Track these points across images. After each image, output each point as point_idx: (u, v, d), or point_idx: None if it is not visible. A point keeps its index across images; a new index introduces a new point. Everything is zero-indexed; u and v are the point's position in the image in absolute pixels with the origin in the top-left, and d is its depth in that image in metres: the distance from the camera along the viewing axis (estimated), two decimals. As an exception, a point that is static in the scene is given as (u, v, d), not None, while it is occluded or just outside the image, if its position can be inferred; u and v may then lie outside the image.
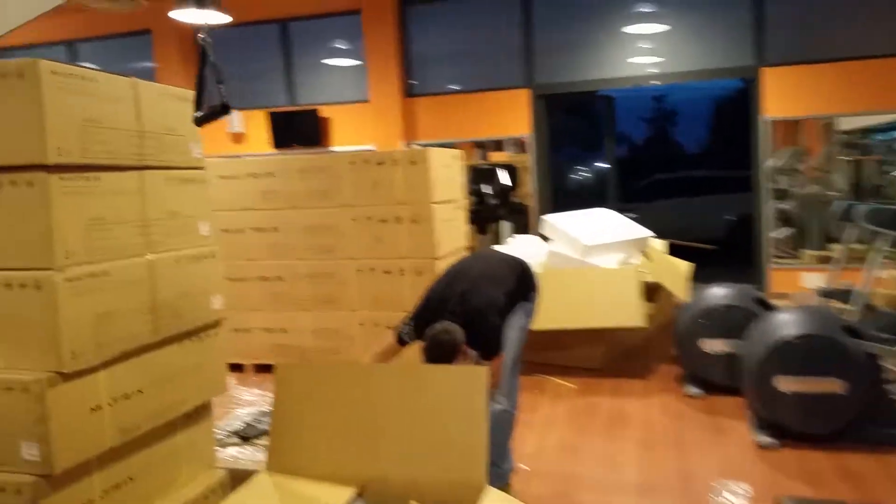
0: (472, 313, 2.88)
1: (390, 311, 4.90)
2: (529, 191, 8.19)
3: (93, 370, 2.18)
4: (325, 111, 8.49)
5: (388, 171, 4.85)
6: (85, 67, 2.21)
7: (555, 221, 5.28)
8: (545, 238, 5.65)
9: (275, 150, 8.47)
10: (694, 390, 4.41)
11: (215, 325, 2.80)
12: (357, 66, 8.50)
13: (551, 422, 4.12)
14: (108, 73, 2.30)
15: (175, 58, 8.75)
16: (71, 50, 9.40)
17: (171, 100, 2.59)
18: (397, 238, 4.86)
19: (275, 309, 5.20)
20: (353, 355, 5.06)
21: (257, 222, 5.17)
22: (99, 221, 2.22)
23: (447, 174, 5.15)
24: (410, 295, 4.68)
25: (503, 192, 7.58)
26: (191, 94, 2.73)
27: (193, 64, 8.09)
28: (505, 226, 7.86)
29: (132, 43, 9.12)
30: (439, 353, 2.77)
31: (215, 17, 6.70)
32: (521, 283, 3.21)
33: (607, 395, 4.50)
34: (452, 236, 5.20)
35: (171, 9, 6.52)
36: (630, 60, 7.66)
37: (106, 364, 2.23)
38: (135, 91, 2.40)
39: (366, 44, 8.26)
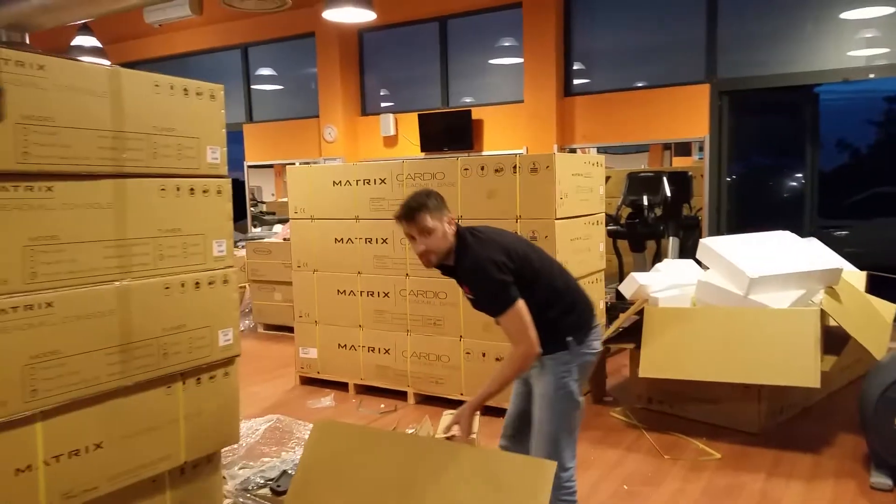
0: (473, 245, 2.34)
1: (501, 341, 4.25)
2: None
3: (22, 422, 1.79)
4: (477, 113, 7.98)
5: (505, 180, 4.20)
6: (37, 53, 1.82)
7: (715, 245, 4.30)
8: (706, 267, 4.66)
9: (422, 155, 8.11)
10: (882, 480, 3.29)
11: (225, 364, 2.35)
12: (514, 64, 7.89)
13: (676, 503, 3.24)
14: (74, 60, 1.91)
15: (335, 59, 8.70)
16: (244, 54, 9.74)
17: (174, 94, 2.16)
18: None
19: (379, 327, 4.75)
20: (457, 386, 4.47)
21: (367, 232, 4.75)
22: (48, 241, 1.84)
23: (580, 183, 4.39)
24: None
25: (667, 203, 6.59)
26: (211, 87, 2.30)
27: (352, 65, 7.89)
28: (671, 244, 6.84)
29: (298, 46, 9.23)
30: (415, 200, 2.31)
31: (364, 15, 6.44)
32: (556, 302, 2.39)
33: (761, 473, 3.50)
34: (582, 258, 4.43)
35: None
36: (839, 50, 6.29)
37: (45, 415, 1.84)
38: (114, 82, 1.99)
39: (524, 38, 7.62)
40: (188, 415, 2.21)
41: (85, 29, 8.81)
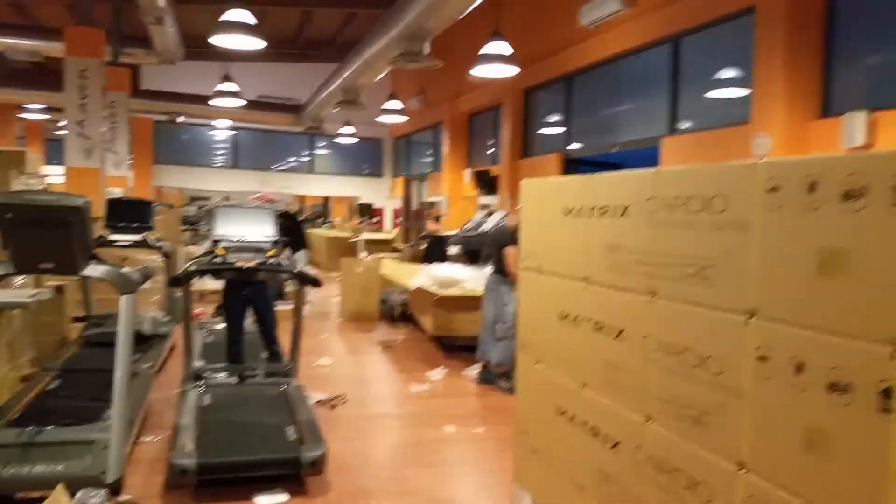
0: None
1: None
2: None
3: None
4: None
5: (868, 224, 1.43)
6: None
7: None
8: None
9: None
10: None
11: None
12: None
13: None
14: None
15: (780, 41, 5.92)
16: (674, 48, 7.60)
17: None
18: (862, 443, 1.39)
19: (600, 500, 2.36)
20: None
21: (596, 310, 2.40)
22: None
23: None
24: None
25: None
26: None
27: (808, 47, 5.22)
28: None
29: (733, 27, 6.69)
30: None
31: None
32: None
33: None
34: None
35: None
36: None
37: None
38: None
39: None
40: None
41: (496, 35, 8.04)
